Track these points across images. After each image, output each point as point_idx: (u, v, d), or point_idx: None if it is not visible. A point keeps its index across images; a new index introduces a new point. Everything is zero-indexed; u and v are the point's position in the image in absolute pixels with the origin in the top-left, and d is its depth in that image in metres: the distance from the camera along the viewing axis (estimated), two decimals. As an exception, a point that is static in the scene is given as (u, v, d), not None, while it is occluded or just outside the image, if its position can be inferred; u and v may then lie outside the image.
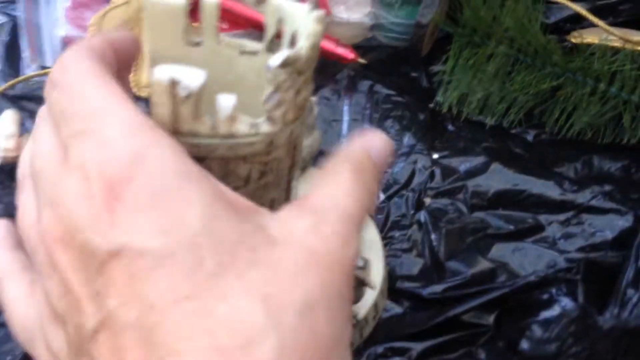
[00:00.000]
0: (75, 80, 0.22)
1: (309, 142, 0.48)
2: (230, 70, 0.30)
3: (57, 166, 0.21)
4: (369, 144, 0.26)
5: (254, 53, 0.30)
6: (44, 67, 0.66)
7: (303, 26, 0.26)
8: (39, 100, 0.63)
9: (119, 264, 0.18)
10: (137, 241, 0.18)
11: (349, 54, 0.66)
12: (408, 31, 0.68)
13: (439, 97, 0.65)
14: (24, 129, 0.58)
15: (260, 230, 0.21)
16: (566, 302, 0.47)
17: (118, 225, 0.19)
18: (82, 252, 0.19)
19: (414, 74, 0.69)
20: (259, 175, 0.26)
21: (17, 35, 0.67)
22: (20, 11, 0.66)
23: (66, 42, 0.66)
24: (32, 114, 0.62)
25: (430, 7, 0.64)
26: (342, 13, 0.70)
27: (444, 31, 0.68)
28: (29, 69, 0.67)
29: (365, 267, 0.38)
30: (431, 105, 0.66)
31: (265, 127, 0.24)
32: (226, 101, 0.23)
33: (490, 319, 0.50)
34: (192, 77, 0.22)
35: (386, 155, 0.26)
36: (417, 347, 0.48)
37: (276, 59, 0.23)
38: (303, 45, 0.25)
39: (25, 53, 0.67)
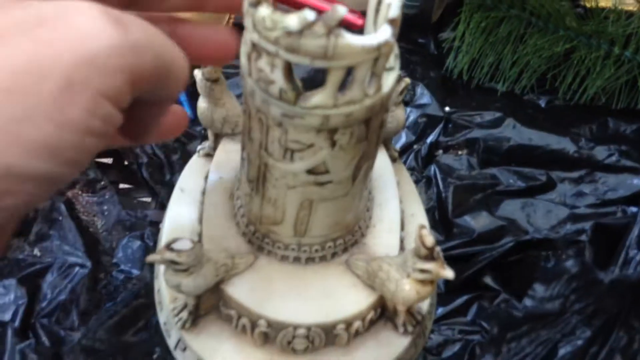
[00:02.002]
0: None
1: (388, 119, 0.45)
2: None
3: None
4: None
5: None
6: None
7: None
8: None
9: None
10: None
11: (358, 20, 0.65)
12: (417, -2, 0.67)
13: (449, 63, 0.64)
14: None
15: None
16: (568, 260, 0.46)
17: None
18: None
19: (422, 41, 0.68)
20: None
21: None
22: None
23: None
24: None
25: (440, -29, 0.63)
26: (351, -21, 0.68)
27: (454, -3, 0.66)
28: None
29: (438, 257, 0.37)
30: (441, 72, 0.64)
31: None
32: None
33: (498, 281, 0.48)
34: None
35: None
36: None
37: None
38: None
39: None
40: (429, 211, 0.51)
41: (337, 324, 0.38)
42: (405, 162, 0.56)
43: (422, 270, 0.34)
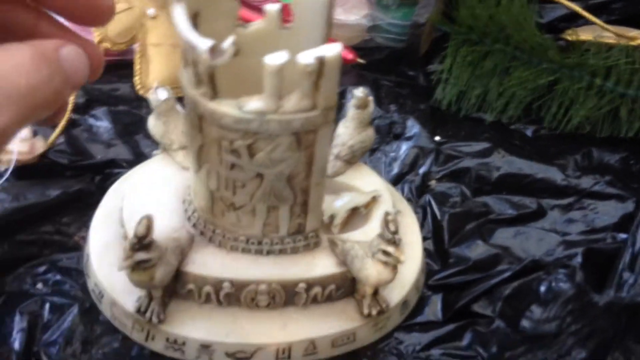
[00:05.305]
0: None
1: (360, 138, 0.49)
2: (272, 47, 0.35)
3: None
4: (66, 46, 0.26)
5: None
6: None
7: None
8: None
9: None
10: None
11: (348, 55, 0.67)
12: (405, 32, 0.69)
13: (437, 95, 0.66)
14: (35, 132, 0.58)
15: None
16: (563, 283, 0.47)
17: None
18: None
19: (411, 73, 0.70)
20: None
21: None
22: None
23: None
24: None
25: (426, 6, 0.66)
26: (340, 15, 0.71)
27: (441, 31, 0.69)
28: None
29: (399, 244, 0.40)
30: (430, 103, 0.66)
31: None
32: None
33: (493, 308, 0.49)
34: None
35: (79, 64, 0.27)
36: (423, 337, 0.48)
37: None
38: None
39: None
40: (425, 240, 0.53)
41: (298, 283, 0.43)
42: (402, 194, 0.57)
43: (384, 252, 0.39)
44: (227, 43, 0.31)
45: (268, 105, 0.34)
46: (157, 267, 0.39)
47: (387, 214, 0.40)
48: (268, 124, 0.34)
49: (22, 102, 0.24)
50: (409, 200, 0.56)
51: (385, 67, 0.70)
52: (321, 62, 0.32)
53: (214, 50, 0.31)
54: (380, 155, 0.61)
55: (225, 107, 0.34)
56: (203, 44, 0.31)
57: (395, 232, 0.39)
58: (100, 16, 0.28)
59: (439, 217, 0.55)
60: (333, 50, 0.32)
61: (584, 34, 0.66)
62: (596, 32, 0.65)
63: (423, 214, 0.56)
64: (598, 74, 0.62)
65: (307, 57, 0.32)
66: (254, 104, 0.34)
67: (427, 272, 0.51)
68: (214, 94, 0.34)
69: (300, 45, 0.36)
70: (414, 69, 0.70)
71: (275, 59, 0.31)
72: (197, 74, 0.34)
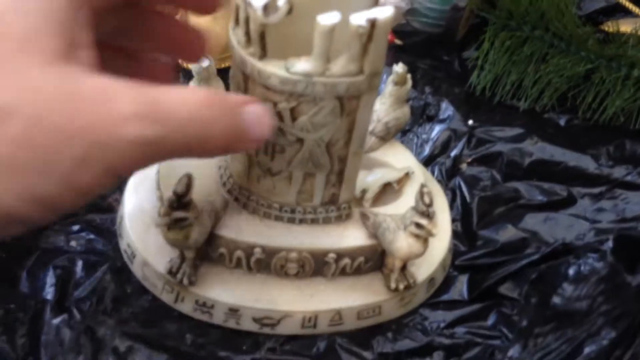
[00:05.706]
0: None
1: (396, 115, 0.49)
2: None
3: None
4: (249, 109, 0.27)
5: None
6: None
7: None
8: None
9: None
10: None
11: (384, 36, 0.67)
12: (442, 17, 0.69)
13: (472, 80, 0.66)
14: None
15: None
16: (593, 265, 0.47)
17: None
18: None
19: (446, 58, 0.70)
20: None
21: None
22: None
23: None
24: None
25: (466, -9, 0.65)
26: (378, -3, 0.71)
27: (478, 18, 0.69)
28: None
29: (432, 217, 0.40)
30: (464, 88, 0.66)
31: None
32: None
33: (520, 290, 0.49)
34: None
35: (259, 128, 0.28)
36: (448, 315, 0.48)
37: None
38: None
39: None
40: (453, 222, 0.53)
41: (328, 252, 0.44)
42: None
43: (417, 225, 0.40)
44: (281, 1, 0.32)
45: (315, 66, 0.34)
46: (193, 226, 0.40)
47: (422, 186, 0.40)
48: (314, 86, 0.35)
49: (174, 128, 0.24)
50: (439, 182, 0.56)
51: (421, 51, 0.70)
52: (372, 24, 0.32)
53: (268, 7, 0.31)
54: (412, 137, 0.61)
55: (273, 67, 0.35)
56: (257, 1, 0.32)
57: (430, 205, 0.40)
58: (210, 6, 0.30)
59: (468, 199, 0.55)
60: (385, 12, 0.32)
61: (624, 26, 0.66)
62: (637, 24, 0.65)
63: (452, 196, 0.56)
64: (636, 66, 0.61)
65: (359, 19, 0.32)
66: (302, 65, 0.34)
67: (454, 252, 0.51)
68: (263, 54, 0.35)
69: (348, 14, 0.36)
70: (449, 54, 0.70)
71: (327, 18, 0.32)
72: (248, 33, 0.34)
